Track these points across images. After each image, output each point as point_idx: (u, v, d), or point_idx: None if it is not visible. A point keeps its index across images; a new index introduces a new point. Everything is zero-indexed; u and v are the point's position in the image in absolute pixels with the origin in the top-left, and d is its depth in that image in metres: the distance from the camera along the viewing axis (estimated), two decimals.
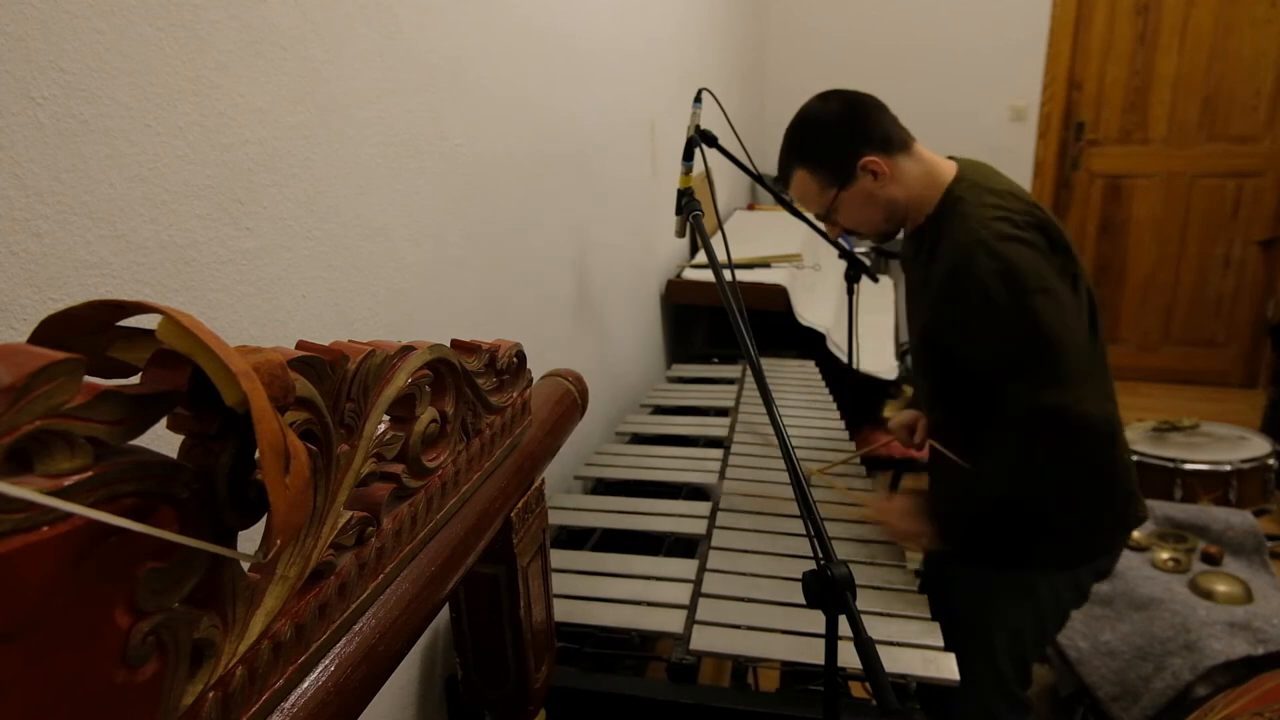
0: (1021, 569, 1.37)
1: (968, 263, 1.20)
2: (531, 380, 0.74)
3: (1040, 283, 1.17)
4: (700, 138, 1.61)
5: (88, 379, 0.29)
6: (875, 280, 1.96)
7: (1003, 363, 1.20)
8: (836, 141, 1.33)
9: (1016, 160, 3.87)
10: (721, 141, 1.66)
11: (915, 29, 3.88)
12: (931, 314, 1.31)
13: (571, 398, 0.85)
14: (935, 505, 1.33)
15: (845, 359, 2.11)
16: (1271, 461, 2.55)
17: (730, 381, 2.21)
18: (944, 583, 1.45)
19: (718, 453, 1.72)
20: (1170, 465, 2.52)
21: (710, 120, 1.65)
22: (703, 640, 1.11)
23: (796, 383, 2.19)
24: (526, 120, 1.52)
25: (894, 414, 2.62)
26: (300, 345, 0.43)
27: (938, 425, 1.47)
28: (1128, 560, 1.97)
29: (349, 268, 1.03)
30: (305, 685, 0.43)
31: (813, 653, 1.07)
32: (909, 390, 3.07)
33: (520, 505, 0.72)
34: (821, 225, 1.49)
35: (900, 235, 1.47)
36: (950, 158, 1.38)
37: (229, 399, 0.33)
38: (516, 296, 1.52)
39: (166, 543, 0.33)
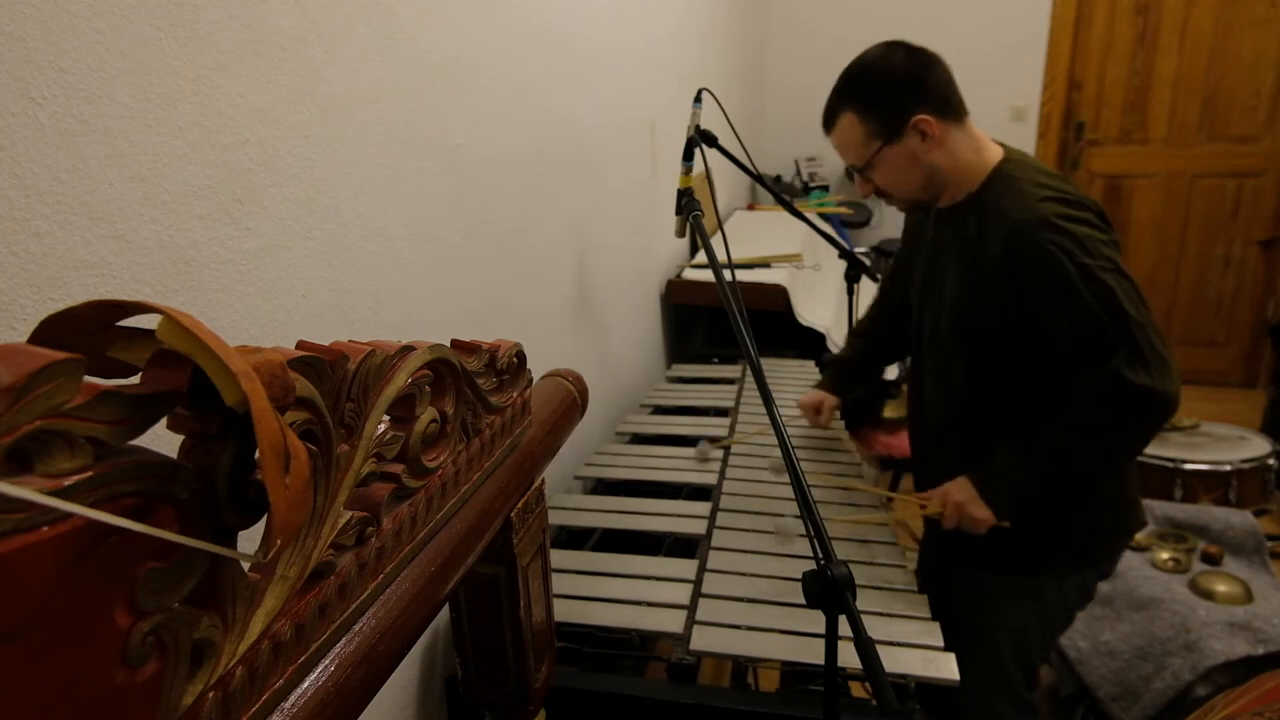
0: (1032, 573, 1.37)
1: (1035, 239, 1.17)
2: (531, 380, 0.74)
3: (1110, 261, 1.16)
4: (700, 138, 1.61)
5: (88, 379, 0.29)
6: (875, 280, 1.96)
7: (1083, 339, 1.18)
8: (894, 92, 1.27)
9: None
10: (721, 141, 1.66)
11: (915, 29, 3.85)
12: (989, 294, 1.27)
13: (571, 398, 0.85)
14: (994, 482, 1.29)
15: None
16: (1271, 461, 2.55)
17: (730, 381, 2.21)
18: (946, 585, 1.45)
19: (718, 453, 1.72)
20: (1170, 465, 2.52)
21: (710, 120, 1.65)
22: (703, 640, 1.11)
23: (796, 383, 2.19)
24: (526, 120, 1.52)
25: (891, 411, 2.61)
26: (300, 345, 0.43)
27: (951, 415, 1.41)
28: (1128, 560, 1.97)
29: (349, 268, 1.03)
30: (305, 685, 0.43)
31: (813, 653, 1.07)
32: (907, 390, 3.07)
33: (520, 505, 0.72)
34: (823, 225, 1.49)
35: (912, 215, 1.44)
36: (997, 143, 1.35)
37: (229, 399, 0.33)
38: (516, 296, 1.52)
39: (166, 543, 0.33)
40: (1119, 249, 1.22)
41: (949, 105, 1.28)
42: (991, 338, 1.30)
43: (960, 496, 1.29)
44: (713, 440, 1.74)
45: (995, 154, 1.31)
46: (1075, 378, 1.22)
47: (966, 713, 1.41)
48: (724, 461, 1.68)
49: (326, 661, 0.45)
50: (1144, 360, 1.15)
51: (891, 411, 2.95)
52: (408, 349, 0.51)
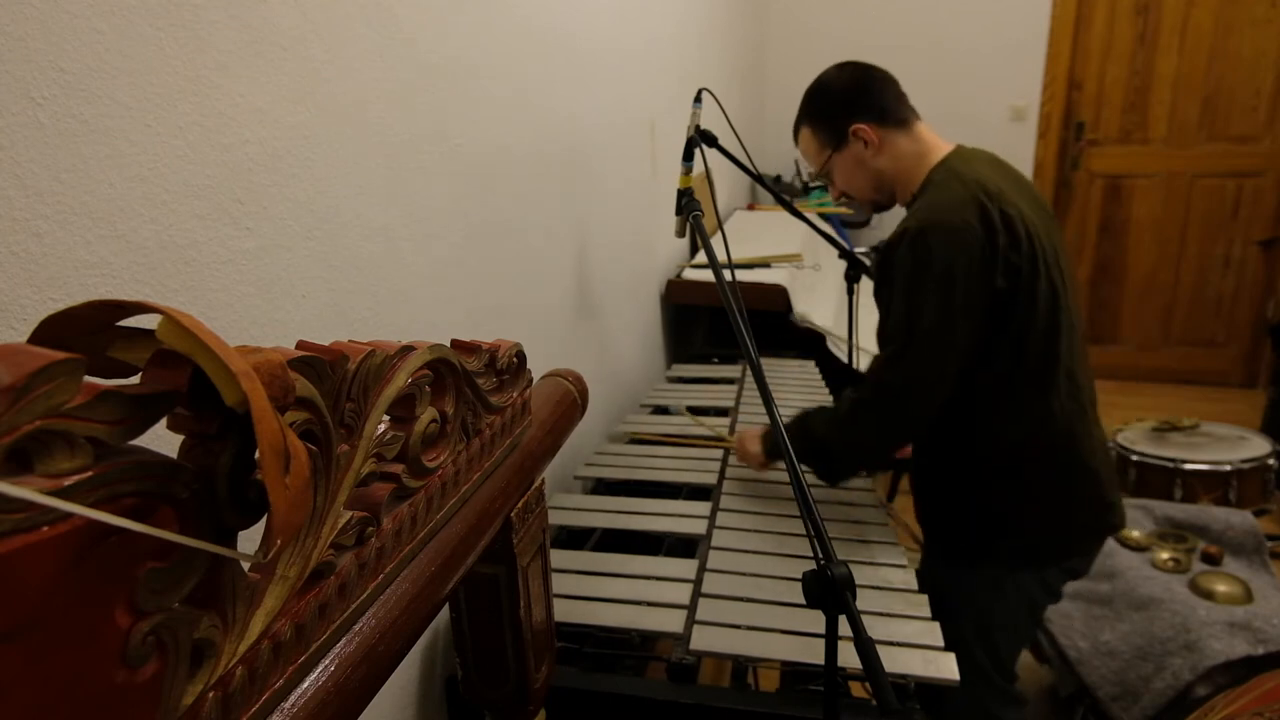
0: (986, 564, 1.40)
1: (896, 243, 1.28)
2: (531, 380, 0.74)
3: (943, 278, 1.23)
4: (700, 138, 1.61)
5: (88, 379, 0.29)
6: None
7: (880, 331, 1.32)
8: (836, 105, 1.43)
9: (1016, 160, 3.84)
10: (721, 141, 1.66)
11: (915, 29, 3.88)
12: (875, 288, 1.41)
13: (571, 398, 0.85)
14: (771, 432, 1.44)
15: (845, 359, 2.11)
16: (1271, 461, 2.55)
17: (730, 381, 2.21)
18: (928, 578, 1.46)
19: (718, 452, 1.72)
20: (1170, 465, 2.52)
21: (710, 120, 1.65)
22: (703, 640, 1.11)
23: (796, 383, 2.19)
24: (526, 120, 1.52)
25: None
26: (300, 345, 0.43)
27: None
28: (1128, 560, 1.97)
29: (349, 268, 1.03)
30: (305, 685, 0.43)
31: (813, 653, 1.07)
32: None
33: (520, 505, 0.72)
34: (823, 225, 1.52)
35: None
36: (958, 146, 1.42)
37: (229, 399, 0.33)
38: (516, 296, 1.52)
39: (166, 543, 0.33)
40: (990, 266, 1.24)
41: (888, 114, 1.40)
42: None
43: (747, 434, 1.53)
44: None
45: (937, 156, 1.39)
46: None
47: (948, 703, 1.42)
48: (724, 461, 1.68)
49: (326, 661, 0.45)
50: (906, 365, 1.26)
51: None
52: (408, 349, 0.51)
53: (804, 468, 1.38)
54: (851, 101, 1.41)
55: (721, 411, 2.01)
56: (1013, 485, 1.36)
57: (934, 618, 1.15)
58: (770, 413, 0.90)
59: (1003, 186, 1.30)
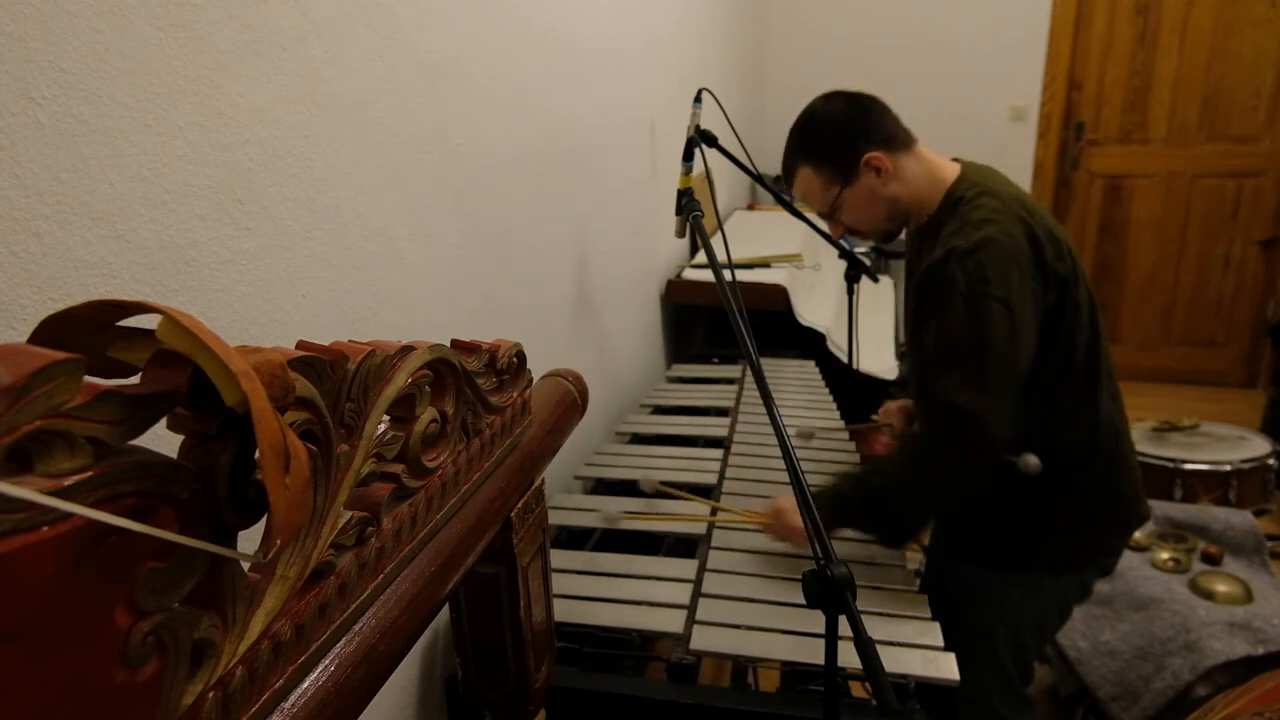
0: (1026, 569, 1.38)
1: (944, 261, 1.21)
2: (531, 380, 0.74)
3: (1002, 291, 1.17)
4: (700, 138, 1.61)
5: (88, 379, 0.29)
6: (875, 280, 1.96)
7: (943, 353, 1.20)
8: (841, 138, 1.34)
9: (1016, 160, 3.87)
10: (721, 141, 1.66)
11: (915, 29, 3.88)
12: (914, 309, 1.33)
13: (571, 398, 0.85)
14: (819, 495, 1.25)
15: (845, 359, 2.11)
16: (1271, 461, 2.55)
17: (730, 381, 2.21)
18: (944, 581, 1.45)
19: (718, 453, 1.72)
20: (1170, 465, 2.52)
21: (710, 120, 1.65)
22: (703, 640, 1.11)
23: (796, 383, 2.19)
24: (526, 120, 1.52)
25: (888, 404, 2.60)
26: (300, 345, 0.43)
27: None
28: (1128, 560, 1.97)
29: (349, 268, 1.03)
30: (305, 685, 0.43)
31: (813, 653, 1.07)
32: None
33: (520, 505, 0.72)
34: (823, 225, 1.50)
35: (902, 236, 1.47)
36: (955, 160, 1.39)
37: (229, 399, 0.33)
38: (516, 296, 1.52)
39: (166, 543, 0.33)
40: (1044, 277, 1.22)
41: (895, 139, 1.34)
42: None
43: (784, 504, 1.29)
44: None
45: (950, 174, 1.34)
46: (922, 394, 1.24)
47: (963, 708, 1.41)
48: (724, 461, 1.68)
49: (326, 661, 0.45)
50: (979, 386, 1.16)
51: None
52: (408, 349, 0.50)
53: (857, 534, 1.27)
54: (856, 132, 1.33)
55: (721, 411, 2.01)
56: (1063, 489, 1.33)
57: (942, 621, 1.15)
58: (770, 413, 0.89)
59: (1029, 202, 1.29)
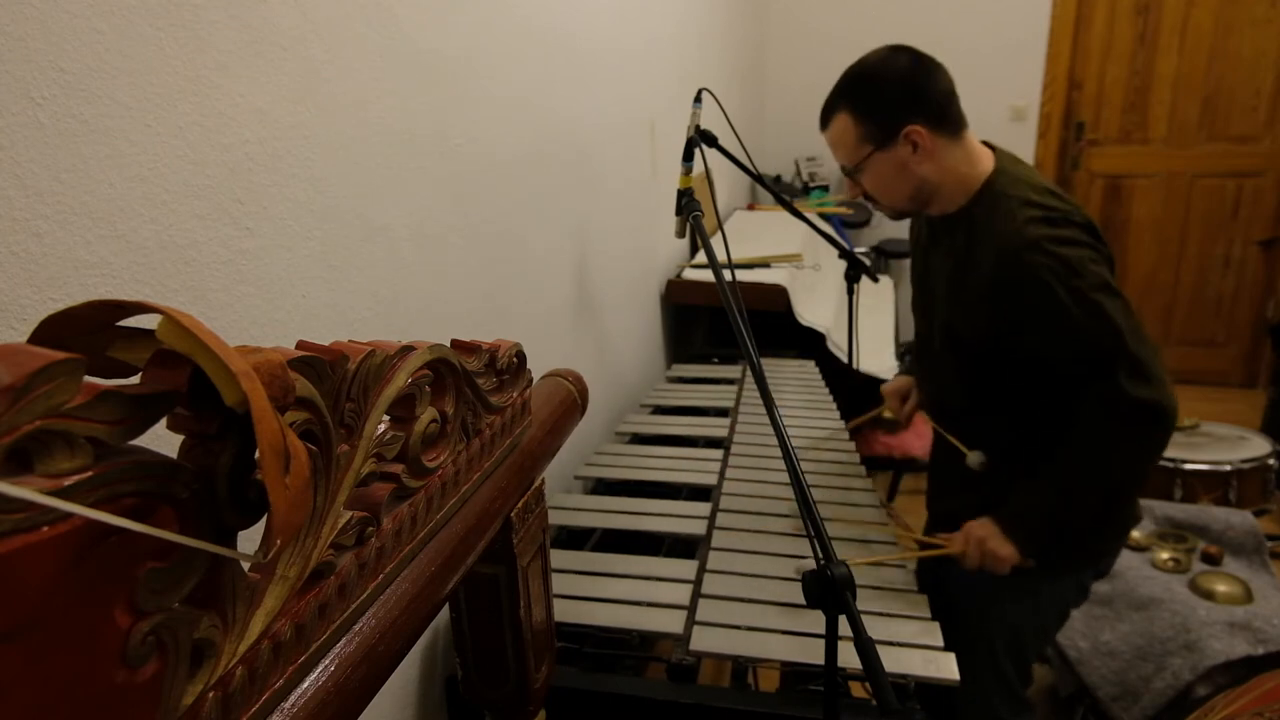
0: (1026, 573, 1.37)
1: (1023, 264, 1.18)
2: (531, 380, 0.74)
3: (1099, 280, 1.17)
4: (700, 138, 1.61)
5: (88, 379, 0.29)
6: (875, 280, 1.96)
7: (1083, 359, 1.19)
8: (891, 99, 1.27)
9: None
10: (721, 141, 1.66)
11: (915, 29, 3.88)
12: (978, 314, 1.28)
13: (571, 398, 0.85)
14: (1018, 517, 1.28)
15: (845, 359, 2.11)
16: (1271, 461, 2.55)
17: (730, 382, 2.21)
18: (943, 582, 1.45)
19: (718, 453, 1.72)
20: (1170, 465, 2.52)
21: (710, 120, 1.65)
22: (703, 641, 1.11)
23: (796, 383, 2.19)
24: (526, 120, 1.52)
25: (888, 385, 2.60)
26: (300, 345, 0.43)
27: (960, 411, 1.44)
28: (1128, 560, 1.97)
29: (349, 268, 1.03)
30: (305, 685, 0.43)
31: (813, 653, 1.07)
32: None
33: (520, 505, 0.72)
34: (823, 225, 1.49)
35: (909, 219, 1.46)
36: (984, 143, 1.34)
37: (229, 399, 0.33)
38: (516, 296, 1.52)
39: (166, 543, 0.33)
40: (1111, 263, 1.23)
41: (946, 118, 1.27)
42: (981, 355, 1.31)
43: (982, 533, 1.29)
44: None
45: (987, 166, 1.30)
46: (1076, 394, 1.23)
47: (962, 710, 1.41)
48: (724, 462, 1.68)
49: (326, 661, 0.45)
50: (1144, 374, 1.17)
51: (891, 412, 2.94)
52: (408, 349, 0.50)
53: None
54: (909, 97, 1.26)
55: (721, 412, 2.01)
56: None
57: (941, 621, 1.15)
58: (770, 413, 0.89)
59: (1063, 191, 1.28)
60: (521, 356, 0.70)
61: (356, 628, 0.47)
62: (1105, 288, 1.17)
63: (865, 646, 0.69)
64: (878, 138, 1.28)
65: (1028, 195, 1.23)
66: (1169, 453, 2.55)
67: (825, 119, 1.35)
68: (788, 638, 1.11)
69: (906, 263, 2.90)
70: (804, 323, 2.40)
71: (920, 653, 1.08)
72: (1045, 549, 1.29)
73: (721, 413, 2.00)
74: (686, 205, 1.48)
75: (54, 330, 0.33)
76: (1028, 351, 1.25)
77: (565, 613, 1.16)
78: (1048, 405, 1.29)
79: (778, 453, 0.94)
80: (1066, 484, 1.25)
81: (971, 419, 1.43)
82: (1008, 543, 1.27)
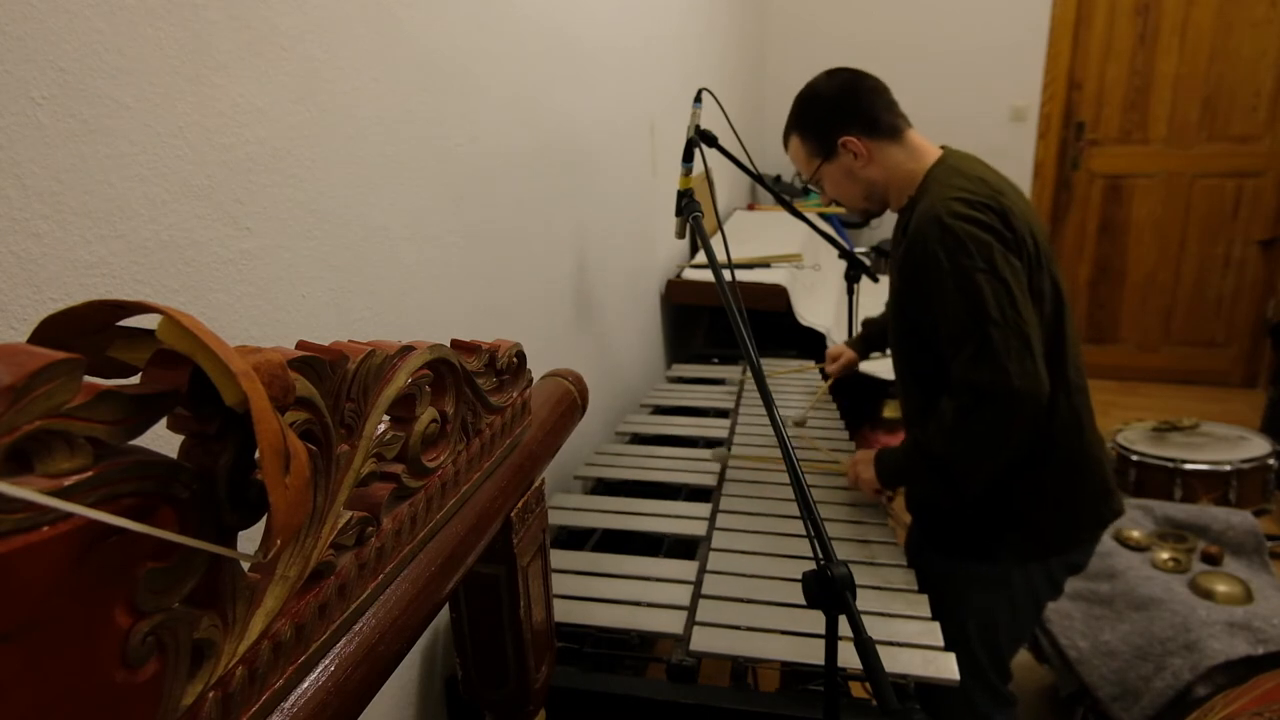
0: (993, 560, 1.40)
1: (924, 236, 1.26)
2: (531, 380, 0.74)
3: (985, 263, 1.21)
4: (700, 138, 1.61)
5: (88, 379, 0.29)
6: (875, 280, 1.97)
7: (949, 335, 1.26)
8: (825, 117, 1.42)
9: (1016, 160, 3.87)
10: (721, 141, 1.66)
11: (915, 29, 3.88)
12: (897, 285, 1.39)
13: (571, 398, 0.85)
14: (884, 457, 1.42)
15: None
16: (1271, 461, 2.55)
17: (730, 382, 2.21)
18: (917, 569, 1.45)
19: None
20: (1170, 465, 2.52)
21: (710, 120, 1.65)
22: (702, 641, 1.11)
23: (796, 383, 2.19)
24: (526, 120, 1.52)
25: (891, 411, 2.60)
26: (300, 345, 0.43)
27: (901, 390, 1.51)
28: (1128, 560, 1.97)
29: (349, 268, 1.03)
30: (305, 685, 0.43)
31: (813, 653, 1.07)
32: None
33: (520, 505, 0.72)
34: (823, 225, 1.51)
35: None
36: (942, 147, 1.42)
37: (229, 399, 0.33)
38: (516, 296, 1.52)
39: (166, 543, 0.33)
40: (1030, 258, 1.26)
41: (879, 125, 1.39)
42: (909, 334, 1.40)
43: (861, 459, 1.47)
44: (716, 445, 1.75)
45: (931, 160, 1.38)
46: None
47: (943, 704, 1.42)
48: (724, 462, 1.68)
49: (326, 661, 0.45)
50: (988, 357, 1.20)
51: (891, 411, 2.95)
52: (408, 349, 0.51)
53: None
54: (840, 112, 1.40)
55: (721, 412, 2.01)
56: (1024, 478, 1.35)
57: (934, 616, 1.15)
58: (770, 413, 0.90)
59: (1001, 184, 1.32)
60: (521, 356, 0.70)
61: (356, 628, 0.47)
62: (990, 271, 1.20)
63: (865, 646, 0.69)
64: (821, 151, 1.44)
65: (957, 180, 1.30)
66: (1169, 453, 2.55)
67: (785, 141, 1.52)
68: (788, 638, 1.11)
69: None
70: (804, 323, 2.40)
71: (920, 653, 1.08)
72: (907, 488, 1.48)
73: (721, 413, 2.00)
74: (686, 206, 1.48)
75: (54, 330, 0.33)
76: (922, 323, 1.32)
77: (565, 613, 1.16)
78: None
79: (778, 453, 0.93)
80: (920, 445, 1.33)
81: (905, 397, 1.50)
82: (871, 470, 1.43)
